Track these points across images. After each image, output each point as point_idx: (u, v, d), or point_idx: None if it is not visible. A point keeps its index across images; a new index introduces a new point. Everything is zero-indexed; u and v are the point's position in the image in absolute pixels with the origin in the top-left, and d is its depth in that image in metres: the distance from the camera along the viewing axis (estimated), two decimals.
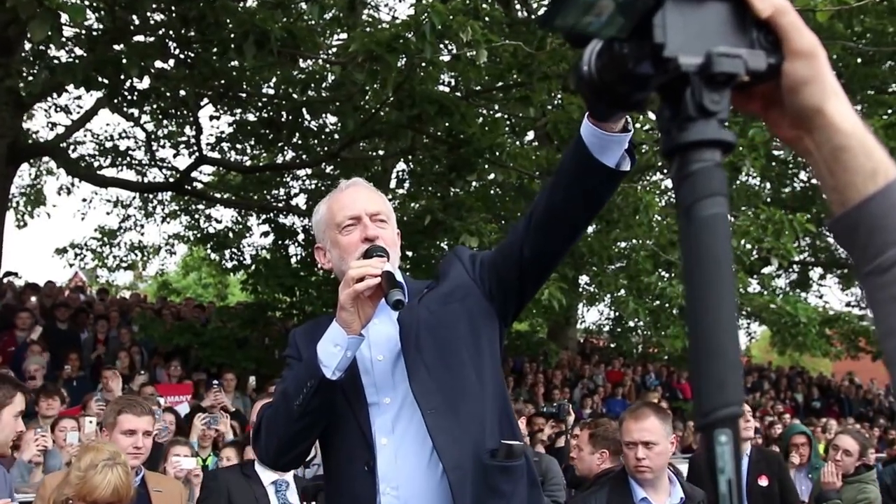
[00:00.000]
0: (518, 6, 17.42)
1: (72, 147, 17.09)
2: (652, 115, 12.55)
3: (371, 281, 2.29)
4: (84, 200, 20.66)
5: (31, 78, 10.95)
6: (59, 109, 17.82)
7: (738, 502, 0.79)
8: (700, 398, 0.81)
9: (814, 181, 22.66)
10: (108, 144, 17.83)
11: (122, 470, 3.54)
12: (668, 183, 17.07)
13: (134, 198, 19.86)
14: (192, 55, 10.74)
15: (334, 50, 13.20)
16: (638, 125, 12.16)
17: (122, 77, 10.33)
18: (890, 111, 15.99)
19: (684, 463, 9.80)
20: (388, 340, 2.51)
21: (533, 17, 14.93)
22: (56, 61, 10.49)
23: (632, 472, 4.02)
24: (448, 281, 2.57)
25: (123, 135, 18.04)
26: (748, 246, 13.19)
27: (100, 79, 10.07)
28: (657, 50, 0.85)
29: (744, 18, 0.91)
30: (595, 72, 0.97)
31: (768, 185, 21.50)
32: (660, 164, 16.39)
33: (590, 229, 14.65)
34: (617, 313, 20.59)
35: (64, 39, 9.95)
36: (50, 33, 7.41)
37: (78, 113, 17.29)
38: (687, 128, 0.85)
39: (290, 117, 13.42)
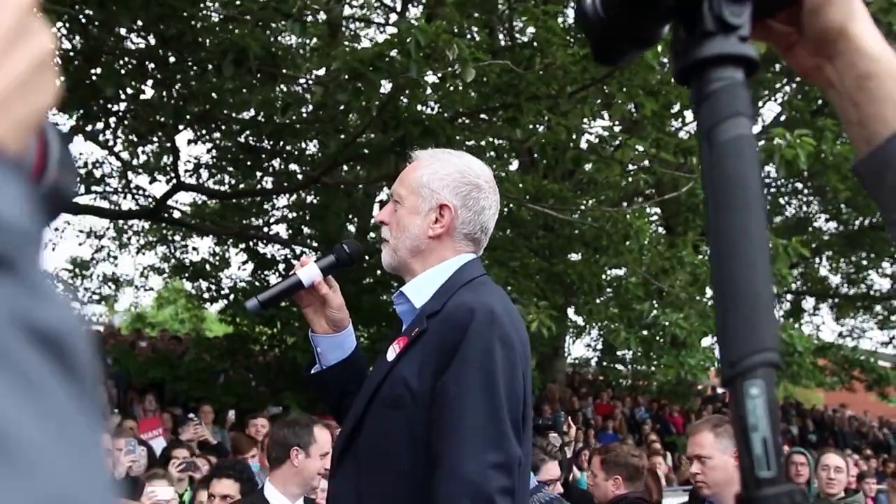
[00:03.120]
0: (501, 35, 17.26)
1: None
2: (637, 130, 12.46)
3: (272, 291, 2.43)
4: (55, 230, 20.16)
5: None
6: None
7: (777, 464, 0.67)
8: (726, 345, 0.71)
9: (805, 209, 22.69)
10: (82, 172, 17.41)
11: None
12: (657, 209, 16.92)
13: (108, 228, 19.47)
14: (170, 76, 10.41)
15: (314, 73, 12.93)
16: (635, 147, 11.95)
17: (97, 98, 10.03)
18: None
19: (683, 496, 9.46)
20: (370, 379, 2.37)
21: (516, 45, 14.73)
22: None
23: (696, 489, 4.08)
24: (435, 353, 2.17)
25: (98, 162, 17.68)
26: None
27: (74, 101, 9.79)
28: None
29: None
30: (600, 6, 0.88)
31: None
32: (648, 190, 16.18)
33: (578, 257, 14.42)
34: (605, 344, 20.31)
35: None
36: None
37: None
38: (705, 43, 0.78)
39: (271, 142, 13.10)
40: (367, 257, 15.01)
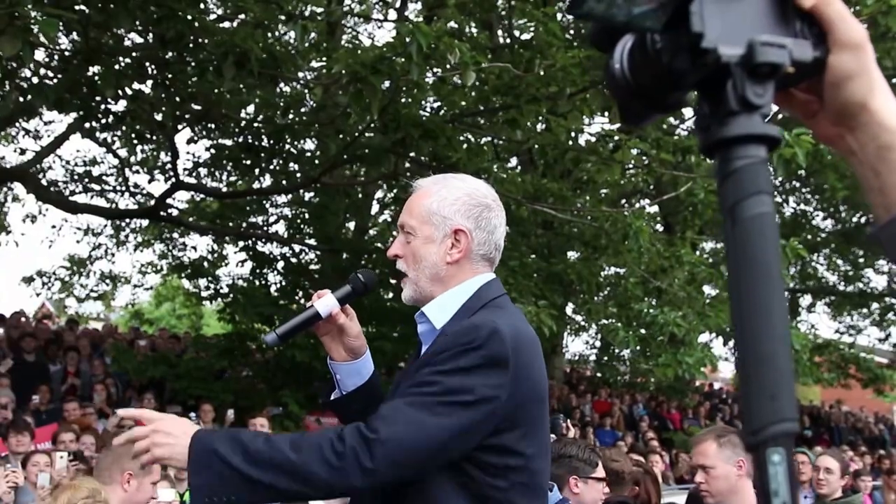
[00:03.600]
0: (500, 32, 17.25)
1: (41, 173, 16.62)
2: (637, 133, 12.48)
3: (291, 323, 2.45)
4: (53, 227, 20.12)
5: (1, 98, 10.57)
6: (27, 134, 17.39)
7: None
8: (750, 413, 0.76)
9: (803, 208, 22.75)
10: (80, 170, 17.39)
11: None
12: (655, 209, 16.93)
13: (105, 226, 19.39)
14: (170, 76, 10.38)
15: (313, 74, 12.91)
16: (633, 150, 11.95)
17: (97, 99, 10.00)
18: None
19: (679, 495, 9.50)
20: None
21: (516, 43, 14.72)
22: (27, 82, 10.13)
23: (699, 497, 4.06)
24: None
25: (94, 161, 17.62)
26: None
27: (73, 101, 9.75)
28: (695, 40, 0.82)
29: (785, 8, 0.87)
30: (628, 71, 0.91)
31: None
32: (646, 188, 16.19)
33: (577, 256, 14.43)
34: (603, 342, 20.32)
35: (37, 60, 9.60)
36: (21, 51, 7.06)
37: (49, 138, 16.84)
38: (729, 122, 0.81)
39: (271, 142, 13.08)
40: (365, 256, 15.04)
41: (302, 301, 15.33)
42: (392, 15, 17.53)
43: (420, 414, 2.06)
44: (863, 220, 21.76)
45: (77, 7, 9.03)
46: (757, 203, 0.79)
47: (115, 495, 3.89)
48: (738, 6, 0.84)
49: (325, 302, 2.45)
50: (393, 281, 13.46)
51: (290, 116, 12.37)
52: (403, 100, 10.30)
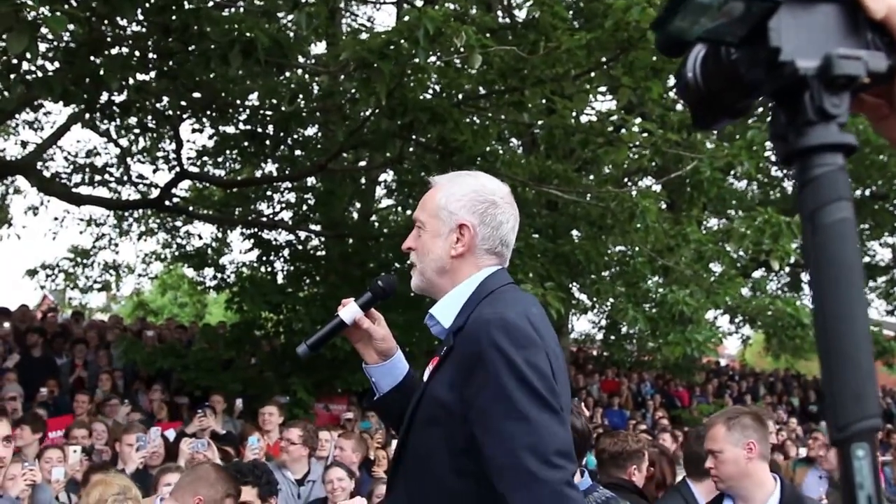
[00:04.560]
0: (500, 13, 17.15)
1: (43, 165, 16.56)
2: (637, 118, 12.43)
3: (319, 334, 2.54)
4: (55, 219, 20.08)
5: (6, 93, 10.49)
6: (27, 126, 17.33)
7: None
8: (835, 411, 0.78)
9: None
10: (82, 161, 17.32)
11: None
12: (659, 188, 16.89)
13: (108, 216, 19.33)
14: (174, 66, 10.33)
15: (314, 61, 12.83)
16: (635, 128, 11.89)
17: (101, 90, 9.95)
18: None
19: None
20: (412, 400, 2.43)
21: (517, 24, 14.63)
22: (31, 75, 10.07)
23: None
24: (457, 368, 2.22)
25: (95, 151, 17.56)
26: (742, 251, 12.95)
27: (78, 93, 9.69)
28: (773, 54, 0.85)
29: (857, 20, 0.89)
30: (700, 79, 0.95)
31: (756, 188, 21.38)
32: (654, 167, 16.15)
33: (582, 236, 14.40)
34: (610, 321, 20.30)
35: (41, 51, 9.54)
36: (28, 48, 7.01)
37: (50, 129, 16.79)
38: (807, 132, 0.84)
39: (276, 129, 13.03)
40: (370, 242, 15.01)
41: (308, 288, 15.34)
42: None
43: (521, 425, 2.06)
44: (867, 192, 21.72)
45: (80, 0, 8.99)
46: (837, 209, 0.82)
47: None
48: (813, 20, 0.87)
49: (348, 310, 2.56)
50: (397, 265, 13.46)
51: (299, 103, 12.30)
52: (408, 83, 10.25)
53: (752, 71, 0.88)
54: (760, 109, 17.58)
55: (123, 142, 16.39)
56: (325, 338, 2.55)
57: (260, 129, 13.23)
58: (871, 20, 0.89)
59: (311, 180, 15.70)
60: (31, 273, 19.88)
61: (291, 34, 10.99)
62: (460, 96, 11.40)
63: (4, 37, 7.22)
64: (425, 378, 2.33)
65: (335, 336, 2.57)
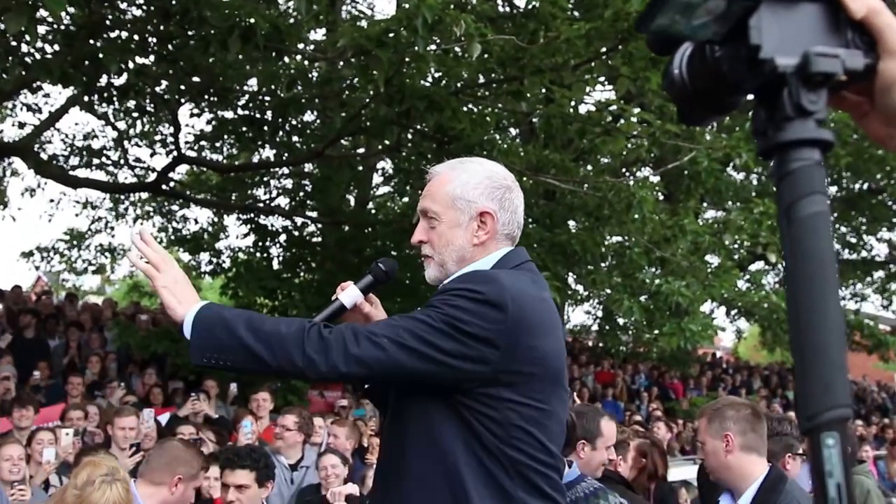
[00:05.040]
0: (500, 1, 17.10)
1: (40, 147, 16.53)
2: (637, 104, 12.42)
3: (319, 317, 2.43)
4: (51, 201, 20.05)
5: (4, 74, 10.46)
6: (25, 108, 17.26)
7: None
8: (805, 400, 0.81)
9: None
10: (79, 144, 17.29)
11: (122, 486, 3.36)
12: (656, 178, 16.87)
13: (104, 199, 19.29)
14: (174, 50, 10.31)
15: (313, 47, 12.80)
16: (633, 118, 11.87)
17: (100, 73, 9.93)
18: None
19: (684, 465, 9.51)
20: None
21: (515, 12, 14.58)
22: (30, 57, 10.04)
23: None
24: None
25: (93, 134, 17.52)
26: (737, 243, 12.96)
27: (77, 75, 9.67)
28: (753, 51, 0.88)
29: (837, 19, 0.91)
30: (687, 77, 0.97)
31: (755, 181, 21.37)
32: (651, 157, 16.12)
33: (579, 226, 14.39)
34: (606, 312, 20.30)
35: (40, 34, 9.52)
36: (25, 26, 6.99)
37: (49, 111, 16.73)
38: (785, 127, 0.87)
39: (274, 115, 13.00)
40: (367, 229, 14.99)
41: (304, 274, 15.33)
42: None
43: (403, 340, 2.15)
44: (864, 186, 21.71)
45: None
46: (812, 202, 0.84)
47: (159, 496, 3.94)
48: (793, 18, 0.89)
49: (348, 293, 2.53)
50: (394, 253, 13.45)
51: (297, 89, 12.28)
52: (407, 71, 10.24)
53: (734, 68, 0.91)
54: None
55: (121, 125, 16.36)
56: (326, 321, 2.46)
57: (258, 115, 13.21)
58: (851, 20, 0.91)
59: (308, 166, 15.69)
60: (27, 255, 19.87)
61: (291, 20, 10.97)
62: (458, 84, 11.37)
63: (3, 17, 7.19)
64: None
65: (335, 320, 2.50)
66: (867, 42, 0.92)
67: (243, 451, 5.03)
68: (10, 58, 9.72)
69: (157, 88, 11.92)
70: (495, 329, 2.15)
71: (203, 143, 16.07)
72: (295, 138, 14.55)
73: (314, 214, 15.96)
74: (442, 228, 2.40)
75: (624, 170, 17.02)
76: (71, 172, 16.25)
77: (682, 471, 8.80)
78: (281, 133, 13.86)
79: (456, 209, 2.39)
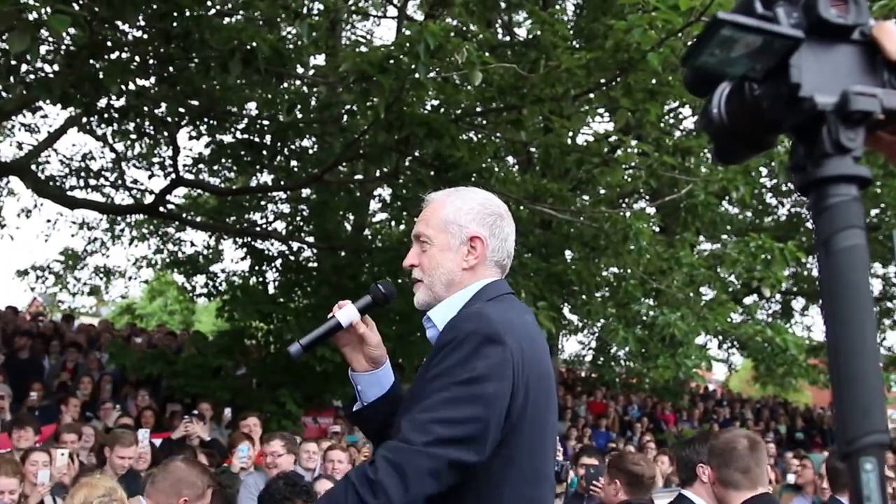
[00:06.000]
0: (501, 30, 17.21)
1: (38, 167, 16.54)
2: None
3: (313, 334, 2.45)
4: (48, 221, 20.10)
5: (4, 93, 10.50)
6: (24, 128, 17.30)
7: None
8: (844, 425, 0.82)
9: (798, 210, 22.81)
10: (77, 165, 17.30)
11: None
12: (652, 210, 16.93)
13: (101, 220, 19.29)
14: (174, 72, 10.34)
15: (313, 72, 12.85)
16: (630, 149, 11.92)
17: (100, 94, 9.95)
18: None
19: (667, 496, 9.44)
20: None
21: (516, 42, 14.67)
22: (32, 76, 10.07)
23: None
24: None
25: (91, 155, 17.54)
26: (733, 277, 12.98)
27: (77, 96, 9.70)
28: (794, 89, 0.90)
29: (874, 60, 0.93)
30: (725, 116, 0.99)
31: (749, 214, 21.44)
32: (643, 189, 16.17)
33: (575, 256, 14.41)
34: (600, 343, 20.29)
35: (41, 53, 9.55)
36: (29, 48, 7.02)
37: (47, 131, 16.76)
38: (823, 164, 0.89)
39: (273, 139, 13.02)
40: (363, 255, 14.99)
41: (300, 299, 15.29)
42: (392, 12, 17.48)
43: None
44: None
45: (83, 2, 8.99)
46: (849, 236, 0.87)
47: None
48: (832, 59, 0.92)
49: (346, 312, 2.49)
50: (389, 279, 13.42)
51: (297, 113, 12.31)
52: (406, 98, 10.28)
53: (774, 106, 0.93)
54: None
55: (119, 146, 16.38)
56: (320, 339, 2.49)
57: (257, 139, 13.22)
58: (888, 61, 0.93)
59: (305, 191, 15.69)
60: (22, 274, 19.84)
61: (292, 45, 11.02)
62: (458, 112, 11.42)
63: (5, 37, 7.23)
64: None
65: (329, 337, 2.50)
66: None
67: (300, 484, 4.98)
68: (12, 77, 9.75)
69: (157, 111, 11.95)
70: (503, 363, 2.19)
71: (201, 165, 16.08)
72: (293, 163, 14.56)
73: (311, 240, 15.95)
74: (433, 251, 2.43)
75: (621, 201, 17.08)
76: (68, 193, 16.25)
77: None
78: (279, 157, 13.87)
79: (447, 233, 2.42)
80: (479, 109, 11.68)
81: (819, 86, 0.90)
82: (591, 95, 10.94)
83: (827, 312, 0.86)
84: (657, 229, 16.40)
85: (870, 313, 0.85)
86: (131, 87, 10.48)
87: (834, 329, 0.85)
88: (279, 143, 13.18)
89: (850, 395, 0.82)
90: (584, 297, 14.09)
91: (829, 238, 0.87)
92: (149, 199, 15.78)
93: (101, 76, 9.56)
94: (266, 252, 15.79)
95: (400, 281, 13.77)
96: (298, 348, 2.44)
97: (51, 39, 9.45)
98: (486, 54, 9.47)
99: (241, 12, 10.42)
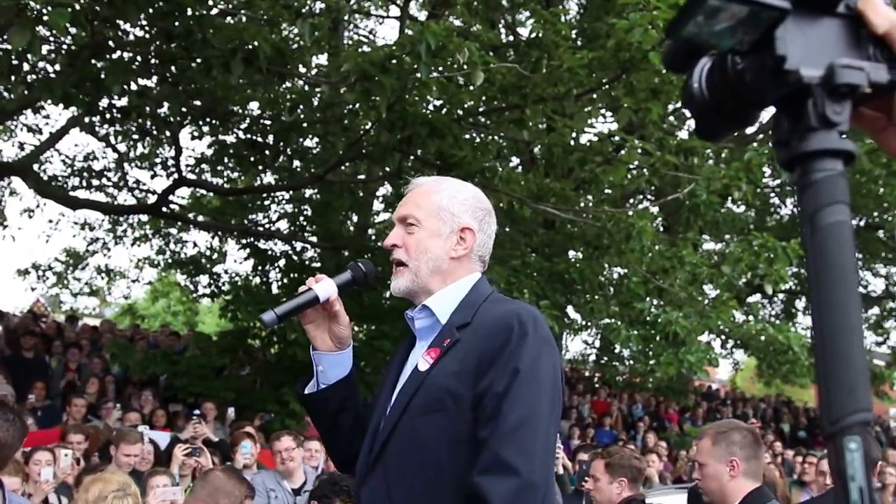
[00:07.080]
0: (503, 30, 17.21)
1: (40, 167, 16.55)
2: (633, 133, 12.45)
3: (289, 304, 2.38)
4: (50, 222, 20.13)
5: (6, 93, 10.52)
6: (26, 128, 17.32)
7: None
8: (828, 404, 0.81)
9: (799, 209, 22.83)
10: (79, 165, 17.33)
11: (133, 501, 3.32)
12: (655, 209, 16.92)
13: (103, 220, 19.30)
14: (176, 72, 10.34)
15: (315, 71, 12.86)
16: (634, 148, 11.90)
17: (102, 94, 9.95)
18: None
19: (678, 493, 9.46)
20: (389, 387, 2.42)
21: (519, 41, 14.67)
22: (33, 76, 10.09)
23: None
24: (477, 359, 2.21)
25: (93, 156, 17.56)
26: (737, 274, 12.97)
27: (79, 96, 9.70)
28: (778, 62, 0.89)
29: (859, 34, 0.93)
30: (706, 90, 0.98)
31: (753, 214, 21.41)
32: (647, 188, 16.16)
33: (578, 255, 14.41)
34: (603, 341, 20.28)
35: (43, 54, 9.56)
36: (30, 43, 7.02)
37: (49, 132, 16.78)
38: (808, 138, 0.88)
39: (276, 139, 13.03)
40: (366, 255, 14.98)
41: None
42: (394, 11, 17.50)
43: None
44: (861, 222, 21.79)
45: (84, 1, 8.99)
46: (834, 212, 0.86)
47: None
48: (817, 32, 0.91)
49: (324, 286, 2.42)
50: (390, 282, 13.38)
51: (299, 113, 12.31)
52: (409, 97, 10.27)
53: (758, 79, 0.92)
54: (759, 134, 17.66)
55: (121, 146, 16.40)
56: (296, 310, 2.40)
57: (260, 139, 13.23)
58: (873, 35, 0.92)
59: (308, 191, 15.70)
60: (23, 273, 19.86)
61: (294, 45, 11.03)
62: (460, 112, 11.42)
63: (6, 36, 7.24)
64: (422, 368, 2.27)
65: (306, 309, 2.41)
66: (888, 57, 0.93)
67: (338, 484, 5.02)
68: (14, 77, 9.76)
69: (159, 110, 11.96)
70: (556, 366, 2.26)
71: (204, 166, 16.09)
72: (296, 163, 14.56)
73: (314, 239, 15.96)
74: (421, 235, 2.39)
75: (624, 200, 17.07)
76: (71, 193, 16.27)
77: (673, 499, 8.73)
78: (282, 157, 13.87)
79: (439, 219, 2.39)
80: (481, 109, 11.68)
81: (805, 58, 0.89)
82: (594, 95, 10.94)
83: (812, 289, 0.85)
84: (660, 228, 16.40)
85: (854, 291, 0.85)
86: (133, 86, 10.47)
87: (819, 305, 0.84)
88: (282, 143, 13.17)
89: (834, 374, 0.82)
90: (587, 296, 14.07)
91: (815, 213, 0.86)
92: (151, 199, 15.79)
93: (102, 76, 9.54)
94: (269, 252, 15.79)
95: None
96: (273, 317, 2.35)
97: (52, 39, 9.47)
98: (489, 54, 9.47)
99: (243, 12, 10.42)
